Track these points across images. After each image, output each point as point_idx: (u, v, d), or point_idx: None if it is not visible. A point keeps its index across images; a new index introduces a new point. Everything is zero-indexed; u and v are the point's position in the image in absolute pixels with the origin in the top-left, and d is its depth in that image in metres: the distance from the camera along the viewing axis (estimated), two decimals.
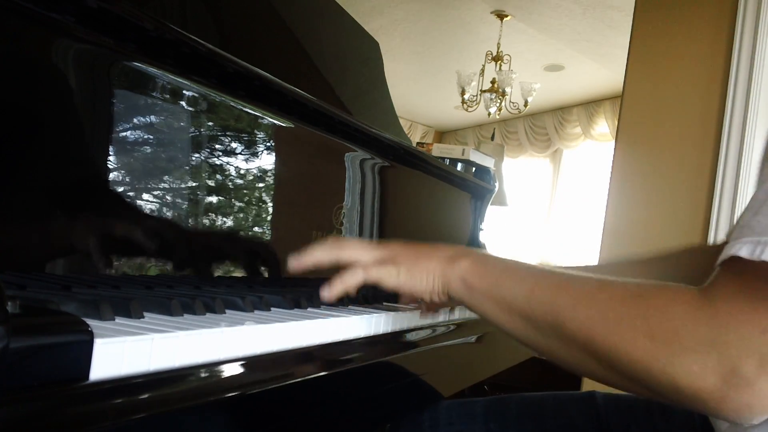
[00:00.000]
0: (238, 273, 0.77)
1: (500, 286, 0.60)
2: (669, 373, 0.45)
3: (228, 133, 0.74)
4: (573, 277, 0.56)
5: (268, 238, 0.81)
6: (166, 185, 0.66)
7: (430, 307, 0.79)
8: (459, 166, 1.57)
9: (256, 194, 0.79)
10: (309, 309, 0.68)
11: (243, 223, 0.77)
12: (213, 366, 0.46)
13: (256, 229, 0.79)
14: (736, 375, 0.43)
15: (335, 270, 0.89)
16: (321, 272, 0.69)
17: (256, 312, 0.61)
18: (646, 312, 0.48)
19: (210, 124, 0.71)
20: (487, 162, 1.62)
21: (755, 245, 0.43)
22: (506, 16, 4.37)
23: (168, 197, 0.66)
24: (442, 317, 0.88)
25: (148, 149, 0.64)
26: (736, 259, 0.44)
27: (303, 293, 0.72)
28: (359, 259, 0.66)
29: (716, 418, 0.46)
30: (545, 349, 0.56)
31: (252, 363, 0.49)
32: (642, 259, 0.83)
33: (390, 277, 0.65)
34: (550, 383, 2.59)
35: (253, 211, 0.79)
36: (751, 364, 0.42)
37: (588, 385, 1.89)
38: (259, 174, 0.79)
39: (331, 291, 0.65)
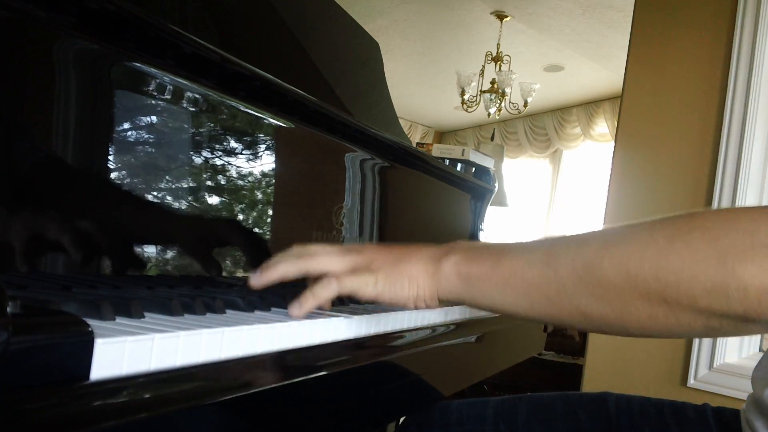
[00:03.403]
0: (239, 273, 0.77)
1: (505, 262, 0.53)
2: (738, 275, 0.43)
3: (228, 134, 0.74)
4: (592, 231, 0.52)
5: (269, 238, 0.81)
6: (167, 185, 0.66)
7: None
8: (459, 167, 1.57)
9: (257, 194, 0.79)
10: None
11: (243, 223, 0.77)
12: (214, 366, 0.46)
13: (256, 229, 0.79)
14: None
15: None
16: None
17: (256, 312, 0.61)
18: (704, 223, 0.45)
19: (210, 124, 0.71)
20: (487, 162, 1.62)
21: None
22: (506, 16, 4.38)
23: (169, 197, 0.66)
24: (441, 317, 0.88)
25: (149, 149, 0.64)
26: None
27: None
28: (330, 268, 0.58)
29: None
30: (575, 315, 0.50)
31: (253, 363, 0.50)
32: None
33: (367, 286, 0.58)
34: (549, 383, 2.59)
35: (254, 211, 0.79)
36: None
37: (589, 384, 1.89)
38: (259, 174, 0.79)
39: (302, 308, 0.57)
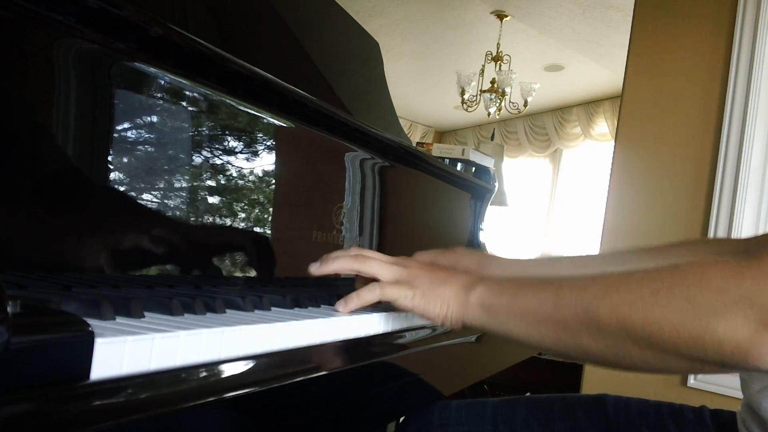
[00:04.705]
0: (239, 273, 0.77)
1: (521, 299, 0.60)
2: (712, 330, 0.47)
3: (228, 133, 0.74)
4: (595, 274, 0.58)
5: (269, 237, 0.81)
6: (167, 185, 0.66)
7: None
8: (459, 166, 1.57)
9: (257, 194, 0.79)
10: (309, 308, 0.69)
11: (243, 222, 0.77)
12: (214, 366, 0.46)
13: (256, 228, 0.79)
14: None
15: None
16: (328, 276, 0.69)
17: (256, 312, 0.61)
18: (683, 280, 0.50)
19: (210, 124, 0.71)
20: (487, 162, 1.62)
21: None
22: (506, 16, 4.37)
23: (169, 197, 0.66)
24: None
25: (149, 149, 0.64)
26: None
27: (304, 293, 0.72)
28: (379, 274, 0.67)
29: (758, 370, 0.49)
30: (578, 350, 0.57)
31: (253, 362, 0.50)
32: (646, 249, 0.83)
33: (405, 299, 0.66)
34: (549, 383, 2.59)
35: (254, 211, 0.79)
36: None
37: (588, 384, 1.89)
38: (259, 174, 0.79)
39: (347, 306, 0.66)
